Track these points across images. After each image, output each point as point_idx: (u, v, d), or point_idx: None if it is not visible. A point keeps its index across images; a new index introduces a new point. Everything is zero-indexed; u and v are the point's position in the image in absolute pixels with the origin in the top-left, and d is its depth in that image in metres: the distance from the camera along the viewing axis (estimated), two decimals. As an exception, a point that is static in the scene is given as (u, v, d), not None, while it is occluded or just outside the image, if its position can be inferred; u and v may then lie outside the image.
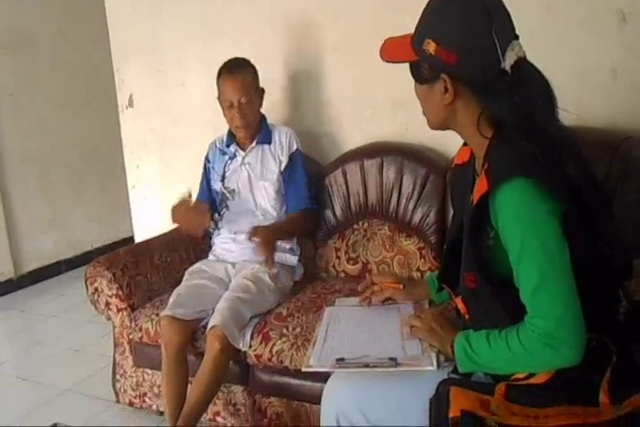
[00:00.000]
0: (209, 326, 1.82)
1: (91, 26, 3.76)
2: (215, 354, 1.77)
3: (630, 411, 1.00)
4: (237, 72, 2.09)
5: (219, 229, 2.25)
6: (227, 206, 2.23)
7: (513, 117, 1.04)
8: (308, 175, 2.20)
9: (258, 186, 2.18)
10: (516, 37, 1.06)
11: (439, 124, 1.19)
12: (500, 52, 1.02)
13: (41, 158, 3.99)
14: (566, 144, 1.06)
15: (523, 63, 1.05)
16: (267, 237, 1.96)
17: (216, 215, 2.25)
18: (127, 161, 3.03)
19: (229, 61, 2.13)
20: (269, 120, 2.25)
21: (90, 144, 4.27)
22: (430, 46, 1.07)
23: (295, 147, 2.20)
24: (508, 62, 1.03)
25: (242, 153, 2.20)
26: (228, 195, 2.22)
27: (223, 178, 2.22)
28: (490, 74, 1.05)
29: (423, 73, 1.13)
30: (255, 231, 1.96)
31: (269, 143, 2.19)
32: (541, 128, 1.03)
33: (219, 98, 2.14)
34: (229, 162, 2.22)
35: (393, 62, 1.16)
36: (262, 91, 2.18)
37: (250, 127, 2.15)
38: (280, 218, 2.18)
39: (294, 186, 2.17)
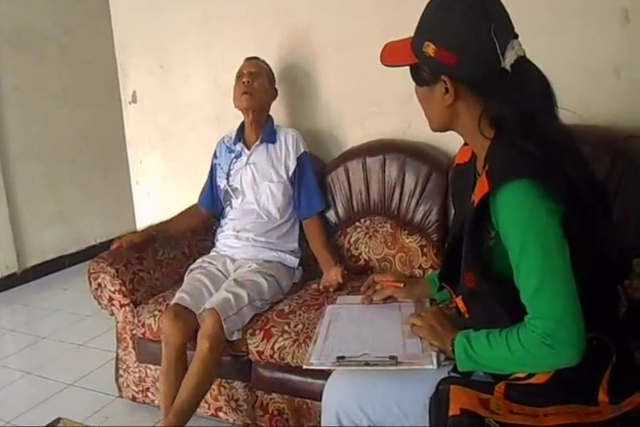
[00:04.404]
0: (203, 308, 1.83)
1: (96, 22, 3.78)
2: (204, 354, 1.77)
3: (629, 410, 1.01)
4: (257, 59, 2.28)
5: (222, 226, 2.26)
6: (230, 204, 2.24)
7: (513, 117, 1.04)
8: (317, 177, 2.23)
9: (262, 186, 2.18)
10: (516, 36, 1.05)
11: (441, 126, 1.19)
12: (499, 51, 1.02)
13: (45, 153, 4.01)
14: (566, 144, 1.06)
15: (523, 62, 1.05)
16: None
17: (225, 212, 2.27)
18: (130, 156, 3.04)
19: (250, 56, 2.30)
20: (276, 122, 2.27)
21: (94, 139, 4.29)
22: (430, 48, 1.07)
23: (302, 150, 2.20)
24: (507, 61, 1.03)
25: (247, 152, 2.21)
26: (231, 193, 2.23)
27: (228, 176, 2.24)
28: (490, 73, 1.04)
29: (424, 75, 1.13)
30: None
31: (273, 143, 2.20)
32: (542, 128, 1.03)
33: (235, 87, 2.21)
34: (235, 160, 2.24)
35: (394, 66, 1.17)
36: (276, 91, 2.29)
37: (255, 102, 2.16)
38: (284, 219, 2.19)
39: (306, 189, 2.19)
